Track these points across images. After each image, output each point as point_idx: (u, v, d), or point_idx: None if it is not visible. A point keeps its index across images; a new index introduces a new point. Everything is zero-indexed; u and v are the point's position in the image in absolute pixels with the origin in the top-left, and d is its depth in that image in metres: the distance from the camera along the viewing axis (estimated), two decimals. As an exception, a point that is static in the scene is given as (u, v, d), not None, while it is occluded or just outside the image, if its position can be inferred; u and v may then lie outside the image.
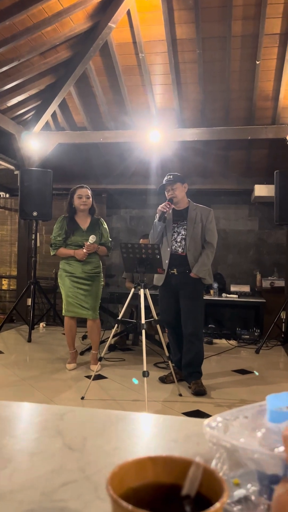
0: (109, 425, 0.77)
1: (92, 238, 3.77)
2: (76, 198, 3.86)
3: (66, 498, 0.54)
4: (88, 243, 3.76)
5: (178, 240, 3.48)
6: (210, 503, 0.35)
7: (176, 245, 3.47)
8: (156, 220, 3.54)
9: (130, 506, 0.33)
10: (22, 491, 0.55)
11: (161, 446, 0.71)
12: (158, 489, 0.39)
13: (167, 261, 3.44)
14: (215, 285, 5.67)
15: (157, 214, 3.49)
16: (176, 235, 3.49)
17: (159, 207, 3.44)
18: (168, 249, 3.47)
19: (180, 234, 3.48)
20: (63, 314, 3.94)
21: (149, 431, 0.79)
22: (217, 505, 0.32)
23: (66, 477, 0.59)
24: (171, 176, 3.51)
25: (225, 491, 0.34)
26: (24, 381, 3.55)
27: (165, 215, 3.44)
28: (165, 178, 3.54)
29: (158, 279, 3.53)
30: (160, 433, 0.77)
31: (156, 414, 0.84)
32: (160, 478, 0.40)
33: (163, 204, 3.43)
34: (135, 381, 3.33)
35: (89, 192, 3.91)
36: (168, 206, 3.42)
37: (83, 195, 3.86)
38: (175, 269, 3.45)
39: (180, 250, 3.46)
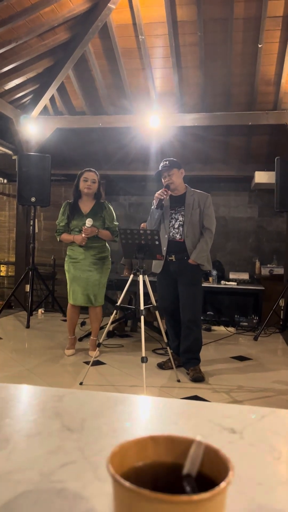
0: (108, 407, 0.76)
1: (88, 222, 3.70)
2: (82, 181, 3.81)
3: (64, 479, 0.53)
4: (85, 227, 3.72)
5: (176, 226, 3.45)
6: (214, 483, 0.33)
7: (174, 231, 3.45)
8: (153, 207, 3.50)
9: (129, 484, 0.32)
10: (20, 471, 0.54)
11: (160, 428, 0.70)
12: (159, 469, 0.38)
13: (165, 248, 3.42)
14: (214, 273, 5.66)
15: (154, 201, 3.45)
16: (173, 222, 3.46)
17: (156, 194, 3.41)
18: (166, 235, 3.44)
19: (178, 221, 3.45)
20: (69, 302, 3.90)
21: (148, 413, 0.78)
22: (222, 485, 0.31)
23: (64, 458, 0.58)
24: (167, 162, 3.46)
25: (230, 470, 0.33)
26: (23, 367, 3.56)
27: (163, 202, 3.39)
28: (161, 164, 3.49)
29: (156, 266, 3.51)
30: (160, 415, 0.76)
31: (155, 397, 0.84)
32: (161, 458, 0.39)
33: (160, 191, 3.39)
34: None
35: (96, 177, 3.84)
36: (165, 193, 3.37)
37: (89, 179, 3.80)
38: (173, 256, 3.43)
39: (178, 236, 3.44)
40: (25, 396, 0.85)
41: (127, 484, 0.32)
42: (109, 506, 0.46)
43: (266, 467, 0.56)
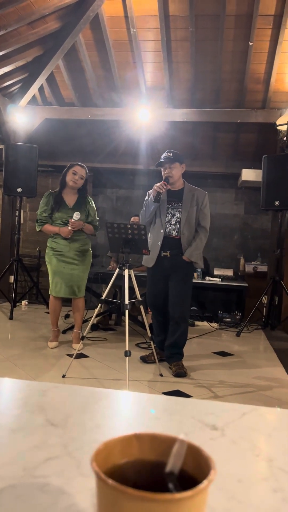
0: (92, 402, 0.77)
1: (76, 215, 3.70)
2: (71, 173, 3.78)
3: (48, 474, 0.53)
4: (72, 220, 3.70)
5: (173, 223, 3.42)
6: (196, 481, 0.34)
7: (170, 228, 3.42)
8: (149, 198, 3.44)
9: (112, 482, 0.33)
10: (3, 466, 0.55)
11: (143, 424, 0.71)
12: (142, 466, 0.39)
13: (159, 243, 3.40)
14: (199, 269, 5.69)
15: (152, 194, 3.39)
16: (170, 217, 3.43)
17: (155, 187, 3.31)
18: (162, 231, 3.42)
19: (175, 217, 3.43)
20: (49, 293, 3.90)
21: (131, 409, 0.79)
22: (204, 483, 0.32)
23: (48, 453, 0.58)
24: (171, 154, 3.37)
25: (213, 469, 0.34)
26: (5, 359, 3.54)
27: (161, 195, 3.32)
28: (164, 155, 3.39)
29: (147, 260, 3.49)
30: (143, 411, 0.77)
31: (139, 392, 0.84)
32: (145, 455, 0.39)
33: (159, 184, 3.31)
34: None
35: (85, 174, 3.82)
36: (164, 187, 3.30)
37: (78, 174, 3.77)
38: (168, 252, 3.42)
39: (174, 233, 3.42)
40: (9, 390, 0.85)
41: (110, 482, 0.32)
42: (93, 502, 0.47)
43: (246, 464, 0.58)
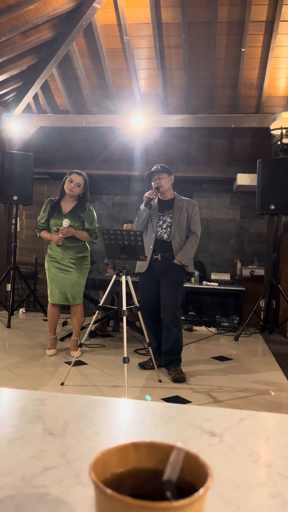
0: (90, 410, 0.77)
1: (65, 222, 3.67)
2: (68, 181, 3.80)
3: (47, 483, 0.53)
4: (61, 227, 3.69)
5: (164, 226, 3.52)
6: (193, 489, 0.35)
7: (161, 231, 3.51)
8: (142, 205, 3.56)
9: (110, 491, 0.33)
10: (1, 477, 0.55)
11: (142, 431, 0.71)
12: (140, 475, 0.39)
13: (151, 247, 3.47)
14: (196, 273, 5.71)
15: (143, 201, 3.53)
16: (161, 222, 3.54)
17: (146, 194, 3.49)
18: (153, 235, 3.50)
19: (166, 222, 3.53)
20: (48, 301, 3.90)
21: (130, 416, 0.79)
22: (201, 491, 0.32)
23: (46, 463, 0.58)
24: (159, 166, 3.58)
25: (210, 476, 0.34)
26: (3, 367, 3.52)
27: (151, 201, 3.49)
28: (153, 168, 3.60)
29: (140, 266, 3.54)
30: (141, 418, 0.77)
31: (137, 400, 0.84)
32: (142, 464, 0.39)
33: (150, 191, 3.49)
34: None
35: (83, 182, 3.81)
36: (155, 193, 3.47)
37: (74, 181, 3.78)
38: (159, 254, 3.47)
39: (165, 236, 3.50)
40: (7, 400, 0.85)
41: (108, 491, 0.32)
42: (91, 511, 0.47)
43: (245, 469, 0.58)
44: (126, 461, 0.39)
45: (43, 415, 0.74)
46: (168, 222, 3.52)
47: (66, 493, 0.51)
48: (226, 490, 0.52)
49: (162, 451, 0.39)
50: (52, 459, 0.59)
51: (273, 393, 3.23)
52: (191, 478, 0.37)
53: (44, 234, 3.85)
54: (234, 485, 0.54)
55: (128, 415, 0.80)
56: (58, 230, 3.75)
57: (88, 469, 0.37)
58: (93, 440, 0.66)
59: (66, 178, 3.82)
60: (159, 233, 3.51)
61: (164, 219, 3.54)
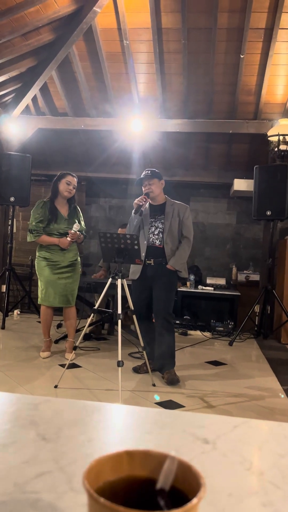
0: (84, 415, 0.77)
1: (76, 226, 3.75)
2: (64, 183, 3.80)
3: (39, 489, 0.53)
4: (72, 231, 3.73)
5: (156, 233, 3.51)
6: (186, 498, 0.35)
7: (153, 237, 3.51)
8: (133, 212, 3.55)
9: (103, 500, 0.33)
10: (-6, 482, 0.54)
11: (135, 437, 0.71)
12: (133, 483, 0.39)
13: (143, 254, 3.46)
14: (192, 277, 5.72)
15: (134, 208, 3.52)
16: (153, 229, 3.53)
17: (136, 201, 3.48)
18: (145, 241, 3.49)
19: (158, 228, 3.52)
20: (39, 303, 3.88)
21: (123, 422, 0.79)
22: (194, 500, 0.33)
23: (39, 468, 0.58)
24: (149, 172, 3.56)
25: (203, 486, 0.34)
26: (-3, 369, 3.51)
27: (142, 208, 3.46)
28: (143, 173, 3.59)
29: (134, 272, 3.54)
30: (135, 424, 0.77)
31: (131, 406, 0.85)
32: (136, 472, 0.40)
33: (140, 197, 3.48)
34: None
35: (76, 183, 3.90)
36: (144, 200, 3.45)
37: (72, 183, 3.82)
38: (152, 260, 3.47)
39: (157, 242, 3.50)
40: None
41: (101, 500, 0.33)
42: (83, 518, 0.47)
43: (237, 478, 0.58)
44: (119, 469, 0.39)
45: (36, 420, 0.74)
46: (160, 228, 3.51)
47: (58, 499, 0.51)
48: (218, 498, 0.52)
49: (155, 459, 0.39)
50: (45, 464, 0.59)
51: (282, 396, 3.24)
52: (184, 487, 0.37)
53: (46, 238, 3.75)
54: (226, 493, 0.54)
55: (121, 421, 0.80)
56: (60, 234, 3.77)
57: (81, 477, 0.37)
58: (87, 446, 0.66)
59: (60, 179, 3.82)
60: (151, 240, 3.51)
61: (156, 225, 3.53)
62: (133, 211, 3.53)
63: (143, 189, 3.55)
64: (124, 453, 0.40)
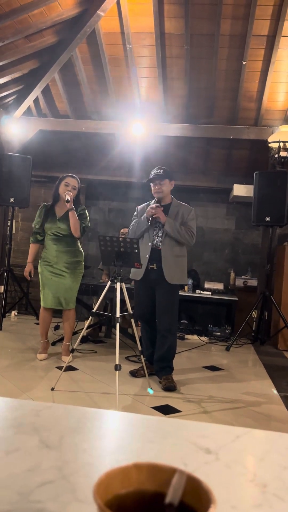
0: (85, 422, 0.77)
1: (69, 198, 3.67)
2: (63, 185, 3.81)
3: (43, 499, 0.53)
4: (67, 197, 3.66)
5: (160, 235, 3.47)
6: (196, 513, 0.35)
7: (157, 240, 3.47)
8: (137, 214, 3.53)
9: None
10: (-2, 490, 0.54)
11: (138, 446, 0.71)
12: (142, 497, 0.39)
13: (147, 256, 3.43)
14: (190, 281, 5.72)
15: (146, 215, 3.44)
16: (157, 230, 3.48)
17: (151, 210, 3.37)
18: (149, 243, 3.46)
19: (162, 229, 3.47)
20: (41, 304, 3.89)
21: (125, 430, 0.79)
22: (205, 517, 0.33)
23: (43, 477, 0.58)
24: (161, 171, 3.46)
25: (213, 502, 0.34)
26: (-6, 370, 3.50)
27: (154, 216, 3.39)
28: (154, 171, 3.47)
29: (135, 273, 3.52)
30: (137, 433, 0.77)
31: (132, 413, 0.84)
32: (144, 486, 0.40)
33: (154, 206, 3.38)
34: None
35: (77, 185, 3.85)
36: (158, 210, 3.39)
37: (70, 185, 3.80)
38: (154, 264, 3.44)
39: (161, 245, 3.46)
40: (1, 410, 0.84)
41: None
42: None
43: (241, 489, 0.58)
44: (128, 482, 0.39)
45: (38, 427, 0.74)
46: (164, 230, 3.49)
47: (63, 509, 0.51)
48: (222, 510, 0.52)
49: (164, 473, 0.40)
50: (48, 473, 0.59)
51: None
52: (193, 502, 0.37)
53: (31, 249, 3.98)
54: (230, 505, 0.54)
55: (123, 429, 0.80)
56: (53, 234, 3.78)
57: (89, 489, 0.37)
58: (89, 454, 0.66)
59: (60, 182, 3.83)
60: (155, 242, 3.46)
61: (160, 226, 3.48)
62: (144, 216, 3.46)
63: (153, 188, 3.46)
64: (132, 466, 0.40)
